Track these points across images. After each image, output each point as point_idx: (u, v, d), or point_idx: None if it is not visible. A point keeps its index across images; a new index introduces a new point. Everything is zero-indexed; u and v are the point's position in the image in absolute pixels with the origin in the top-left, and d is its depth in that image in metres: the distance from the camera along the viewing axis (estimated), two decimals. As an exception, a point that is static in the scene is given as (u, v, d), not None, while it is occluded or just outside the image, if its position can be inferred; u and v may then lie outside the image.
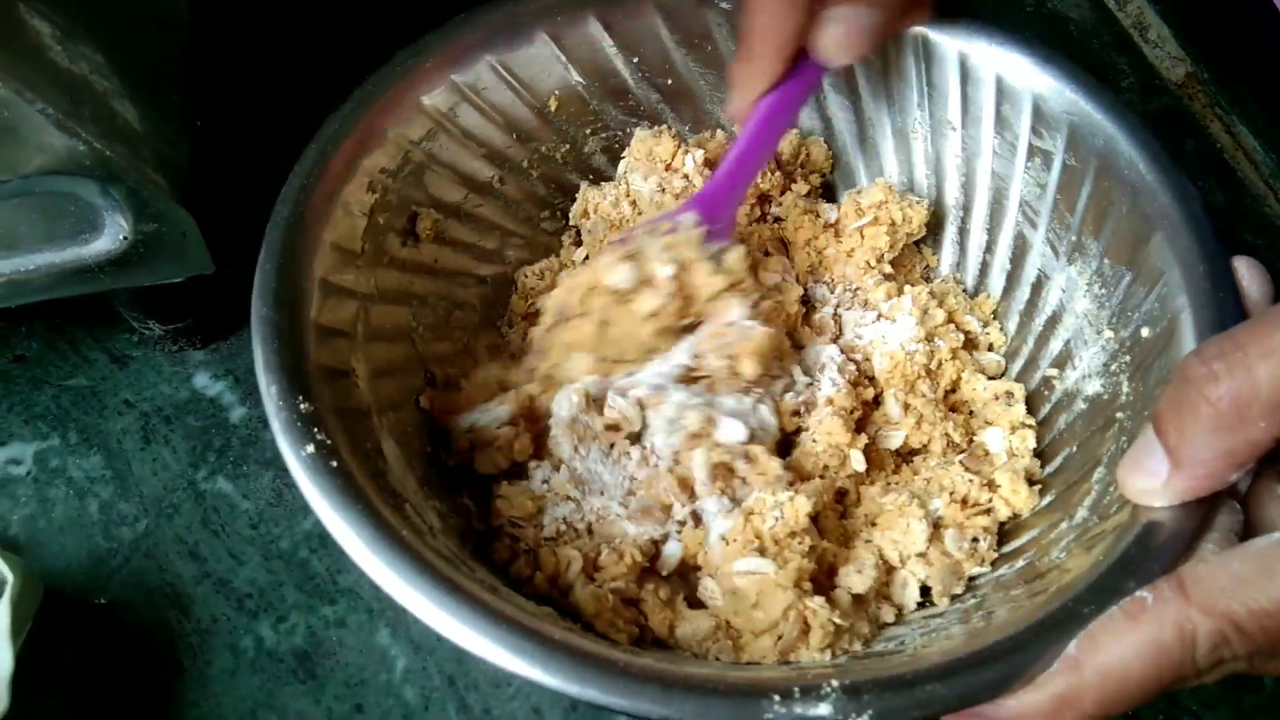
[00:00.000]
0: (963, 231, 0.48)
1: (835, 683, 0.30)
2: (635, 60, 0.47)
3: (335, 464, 0.35)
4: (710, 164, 0.48)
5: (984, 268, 0.48)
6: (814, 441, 0.42)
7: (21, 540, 0.46)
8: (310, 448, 0.35)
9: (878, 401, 0.45)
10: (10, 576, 0.40)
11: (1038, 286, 0.45)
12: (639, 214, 0.47)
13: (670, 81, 0.48)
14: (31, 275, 0.41)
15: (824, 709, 0.30)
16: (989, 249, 0.47)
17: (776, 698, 0.30)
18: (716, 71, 0.48)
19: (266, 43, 0.56)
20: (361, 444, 0.37)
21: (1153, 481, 0.31)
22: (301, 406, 0.36)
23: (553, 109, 0.47)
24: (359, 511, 0.33)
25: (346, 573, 0.45)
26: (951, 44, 0.44)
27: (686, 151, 0.47)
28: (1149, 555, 0.32)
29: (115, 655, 0.43)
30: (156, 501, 0.47)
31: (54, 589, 0.44)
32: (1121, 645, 0.29)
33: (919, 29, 0.44)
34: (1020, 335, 0.46)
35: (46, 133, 0.36)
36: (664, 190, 0.47)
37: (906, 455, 0.44)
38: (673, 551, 0.39)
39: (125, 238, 0.41)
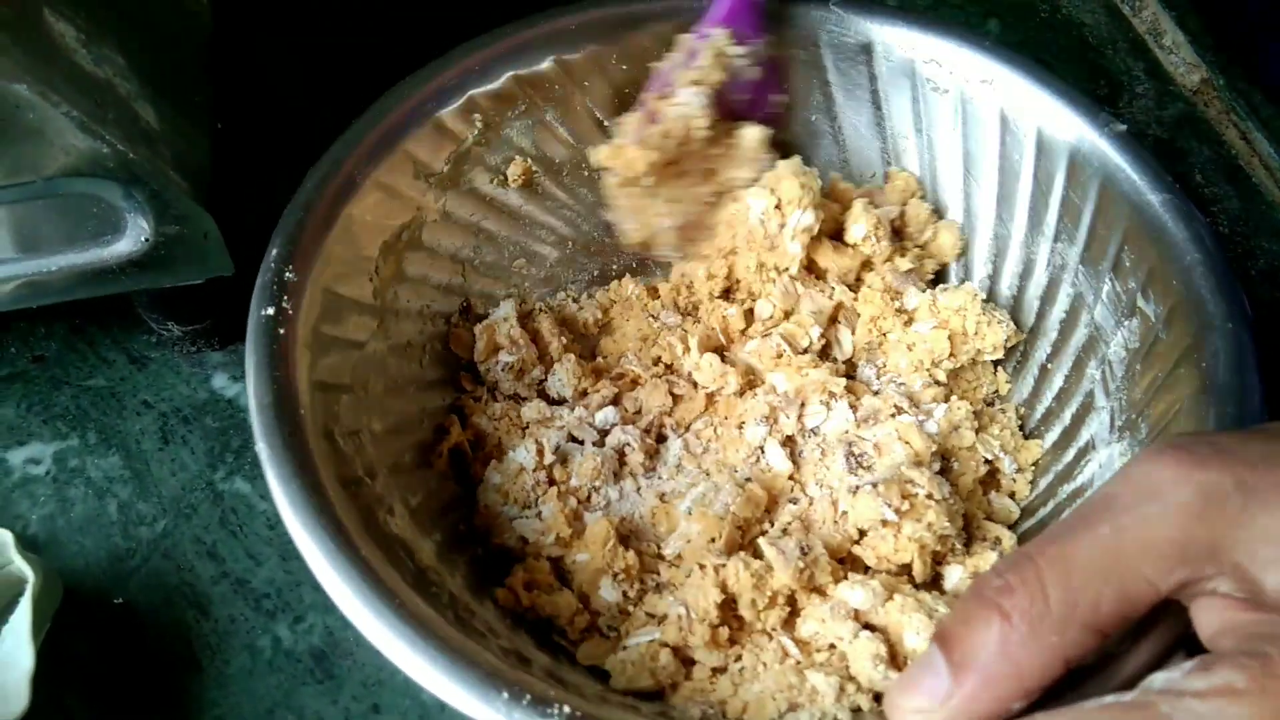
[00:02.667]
0: (1044, 370, 0.46)
1: (566, 709, 0.31)
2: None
3: (282, 331, 0.37)
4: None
5: (1048, 415, 0.45)
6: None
7: (40, 540, 0.46)
8: (270, 310, 0.37)
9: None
10: (32, 576, 0.40)
11: (1082, 453, 0.43)
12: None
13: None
14: (52, 276, 0.41)
15: None
16: (1060, 398, 0.45)
17: (505, 695, 0.31)
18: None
19: (288, 45, 0.57)
20: (332, 320, 0.39)
21: (930, 700, 0.29)
22: (287, 274, 0.38)
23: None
24: (275, 379, 0.36)
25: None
26: (1092, 182, 0.42)
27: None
28: None
29: (133, 654, 0.44)
30: (175, 502, 0.47)
31: (72, 588, 0.44)
32: None
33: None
34: (1044, 496, 0.44)
35: (70, 135, 0.37)
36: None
37: (856, 562, 0.42)
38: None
39: (146, 239, 0.41)
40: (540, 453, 0.43)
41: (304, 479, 0.34)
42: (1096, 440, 0.42)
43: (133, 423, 0.49)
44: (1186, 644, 0.30)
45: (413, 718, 0.43)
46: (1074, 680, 0.29)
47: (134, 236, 0.41)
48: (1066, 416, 0.44)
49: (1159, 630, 0.30)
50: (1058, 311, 0.45)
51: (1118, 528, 0.28)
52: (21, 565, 0.41)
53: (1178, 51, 0.62)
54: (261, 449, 0.35)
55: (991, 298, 0.48)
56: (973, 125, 0.45)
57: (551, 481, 0.43)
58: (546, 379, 0.46)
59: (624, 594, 0.40)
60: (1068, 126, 0.43)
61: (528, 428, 0.44)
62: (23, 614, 0.40)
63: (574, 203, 0.49)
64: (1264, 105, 0.60)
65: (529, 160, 0.47)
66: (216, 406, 0.49)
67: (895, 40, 0.45)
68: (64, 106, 0.36)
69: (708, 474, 0.43)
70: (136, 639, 0.44)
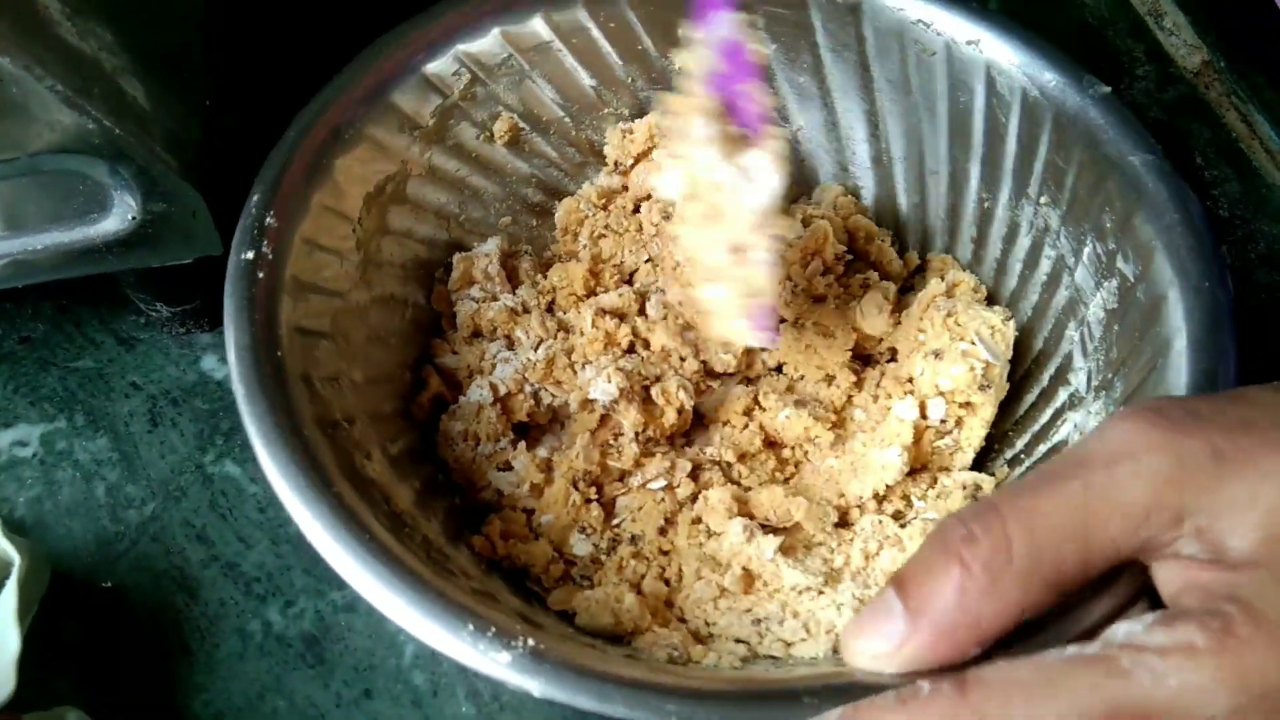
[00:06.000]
0: (1025, 332, 0.46)
1: (530, 642, 0.31)
2: None
3: (262, 275, 0.37)
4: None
5: (1026, 376, 0.45)
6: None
7: (28, 523, 0.46)
8: (249, 254, 0.37)
9: None
10: (18, 559, 0.40)
11: (1059, 413, 0.43)
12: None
13: None
14: (38, 255, 0.41)
15: (504, 656, 0.30)
16: (1039, 360, 0.45)
17: (470, 627, 0.31)
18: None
19: (279, 22, 0.56)
20: (313, 267, 0.39)
21: (886, 645, 0.29)
22: (268, 220, 0.38)
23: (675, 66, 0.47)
24: (253, 321, 0.36)
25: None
26: (1075, 144, 0.42)
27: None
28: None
29: (122, 638, 0.43)
30: (164, 485, 0.47)
31: (60, 572, 0.44)
32: None
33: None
34: (1020, 454, 0.44)
35: (55, 110, 0.36)
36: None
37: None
38: None
39: (134, 217, 0.40)
40: (494, 388, 0.42)
41: (279, 417, 0.34)
42: (1073, 400, 0.42)
43: (121, 405, 0.48)
44: (1147, 594, 0.30)
45: (405, 702, 0.42)
46: (1032, 629, 0.29)
47: (121, 214, 0.40)
48: (1044, 378, 0.44)
49: (1121, 583, 0.30)
50: (1039, 275, 0.45)
51: (1088, 484, 0.28)
52: (8, 548, 0.40)
53: (1178, 33, 0.61)
54: (238, 388, 0.35)
55: (976, 263, 0.48)
56: (960, 88, 0.45)
57: (507, 416, 0.42)
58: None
59: (595, 545, 0.40)
60: (1052, 88, 0.43)
61: (484, 370, 0.44)
62: (9, 597, 0.39)
63: (561, 161, 0.49)
64: (1265, 88, 0.59)
65: (515, 116, 0.46)
66: (206, 388, 0.49)
67: (884, 1, 0.45)
68: (49, 81, 0.35)
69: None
70: (125, 623, 0.44)
